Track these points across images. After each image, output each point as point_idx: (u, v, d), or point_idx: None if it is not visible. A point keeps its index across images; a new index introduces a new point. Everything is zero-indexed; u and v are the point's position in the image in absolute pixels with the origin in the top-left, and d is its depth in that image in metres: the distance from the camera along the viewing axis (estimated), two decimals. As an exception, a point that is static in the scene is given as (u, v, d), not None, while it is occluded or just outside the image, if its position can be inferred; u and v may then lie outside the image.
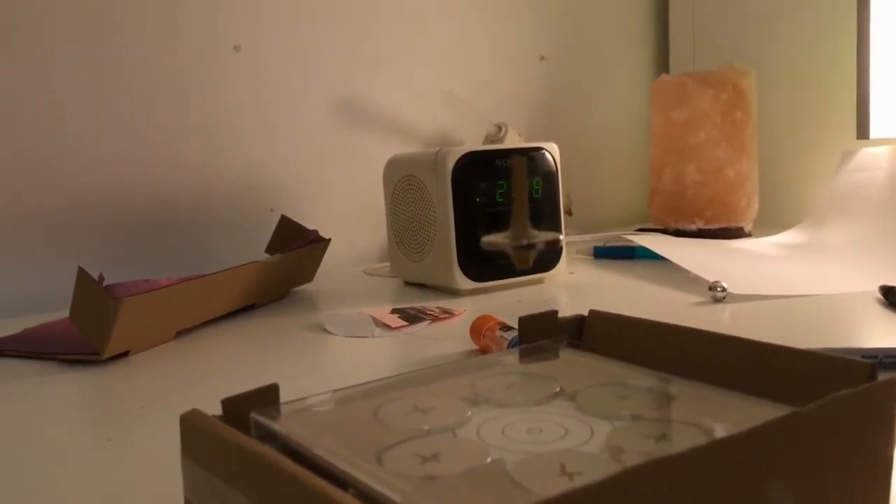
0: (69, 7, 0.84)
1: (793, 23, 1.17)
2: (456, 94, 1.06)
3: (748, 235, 1.06)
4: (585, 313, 0.40)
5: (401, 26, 1.08)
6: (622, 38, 1.34)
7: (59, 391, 0.54)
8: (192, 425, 0.28)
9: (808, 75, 1.16)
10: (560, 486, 0.22)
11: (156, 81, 0.90)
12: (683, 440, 0.28)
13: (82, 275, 0.58)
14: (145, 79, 0.89)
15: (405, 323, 0.66)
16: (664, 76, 1.11)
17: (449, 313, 0.69)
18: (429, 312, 0.69)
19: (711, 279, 0.70)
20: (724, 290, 0.69)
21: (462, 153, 0.77)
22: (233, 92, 0.96)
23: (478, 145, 0.96)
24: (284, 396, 0.32)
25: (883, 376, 0.28)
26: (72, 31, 0.85)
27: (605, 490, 0.21)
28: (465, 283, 0.78)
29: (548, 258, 0.81)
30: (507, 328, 0.54)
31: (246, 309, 0.76)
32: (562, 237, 0.81)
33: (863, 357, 0.47)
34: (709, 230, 1.05)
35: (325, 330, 0.66)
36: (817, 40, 1.15)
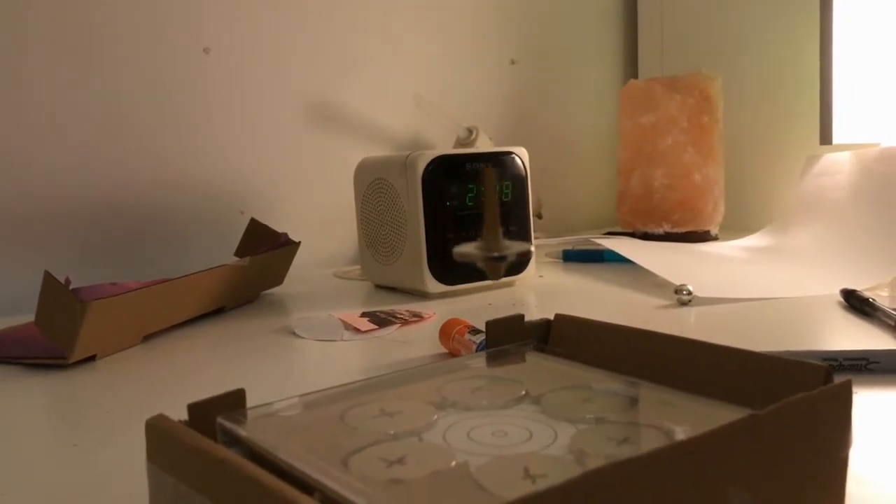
0: (39, 8, 0.83)
1: (758, 30, 1.19)
2: (427, 98, 1.06)
3: (714, 239, 1.08)
4: (553, 316, 0.41)
5: (372, 29, 1.08)
6: (592, 44, 1.35)
7: (24, 396, 0.53)
8: (157, 430, 0.28)
9: (773, 82, 1.18)
10: (523, 489, 0.23)
11: (125, 83, 0.89)
12: (645, 443, 0.29)
13: (48, 278, 0.57)
14: (114, 80, 0.89)
15: (375, 326, 0.66)
16: (633, 81, 1.12)
17: (419, 316, 0.69)
18: (398, 316, 0.69)
19: (678, 282, 0.71)
20: (689, 293, 0.70)
21: (432, 157, 0.77)
22: (202, 94, 0.95)
23: (448, 149, 0.96)
24: (253, 401, 0.32)
25: (842, 378, 0.28)
26: (40, 32, 0.84)
27: (567, 492, 0.21)
28: (435, 286, 0.78)
29: (518, 261, 0.82)
30: (476, 331, 0.54)
31: (215, 312, 0.76)
32: (531, 246, 0.82)
33: (823, 359, 0.48)
34: (676, 234, 1.06)
35: (295, 333, 0.66)
36: (782, 48, 1.17)
